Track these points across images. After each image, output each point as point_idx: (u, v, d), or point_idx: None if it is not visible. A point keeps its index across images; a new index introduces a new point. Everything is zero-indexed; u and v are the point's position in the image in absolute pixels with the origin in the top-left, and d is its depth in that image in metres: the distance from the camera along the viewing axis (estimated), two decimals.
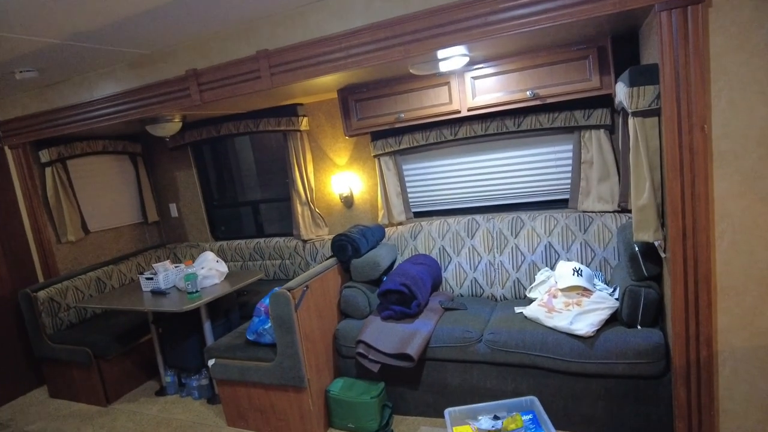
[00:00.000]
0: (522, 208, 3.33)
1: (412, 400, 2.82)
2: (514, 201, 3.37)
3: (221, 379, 2.99)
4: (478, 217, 3.32)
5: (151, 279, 3.51)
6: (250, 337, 2.93)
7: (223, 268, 3.58)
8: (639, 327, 2.37)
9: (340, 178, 3.73)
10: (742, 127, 1.93)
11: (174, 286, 3.51)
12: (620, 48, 2.68)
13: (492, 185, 3.38)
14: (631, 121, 2.18)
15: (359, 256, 3.09)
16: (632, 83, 2.13)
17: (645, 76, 2.12)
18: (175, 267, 3.62)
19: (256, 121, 3.90)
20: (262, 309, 2.89)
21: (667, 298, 2.28)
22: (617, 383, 2.35)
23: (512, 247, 3.12)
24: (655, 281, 2.38)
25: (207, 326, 3.41)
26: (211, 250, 4.30)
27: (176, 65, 2.99)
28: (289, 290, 2.64)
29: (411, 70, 2.74)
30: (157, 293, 3.44)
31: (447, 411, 2.23)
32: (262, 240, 4.13)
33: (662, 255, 2.22)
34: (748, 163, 1.95)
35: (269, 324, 2.78)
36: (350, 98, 3.31)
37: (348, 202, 3.80)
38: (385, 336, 2.72)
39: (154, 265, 3.59)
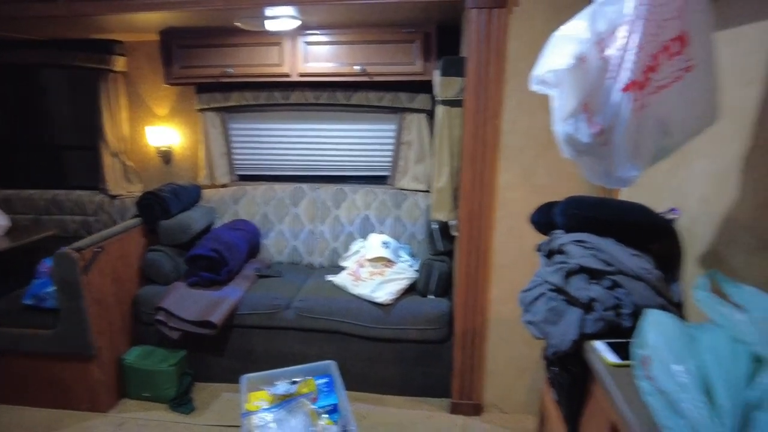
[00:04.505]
0: (347, 181, 3.40)
1: (216, 367, 2.75)
2: (340, 173, 3.42)
3: None
4: (305, 186, 3.31)
5: None
6: (28, 302, 2.55)
7: (2, 221, 3.06)
8: (432, 296, 2.61)
9: (158, 131, 3.38)
10: (525, 126, 2.19)
11: None
12: (446, 37, 2.83)
13: (320, 156, 3.38)
14: (439, 108, 2.34)
15: (168, 217, 2.85)
16: (444, 73, 2.27)
17: (455, 67, 2.27)
18: None
19: (60, 53, 3.32)
20: (45, 270, 2.54)
21: (455, 271, 2.53)
22: (409, 347, 2.57)
23: (334, 218, 3.19)
24: (449, 256, 2.64)
25: None
26: None
27: None
28: (77, 251, 2.35)
29: (237, 23, 2.56)
30: None
31: (243, 377, 2.20)
32: (61, 192, 3.58)
33: (454, 233, 2.46)
34: (527, 158, 2.22)
35: (52, 287, 2.45)
36: (173, 43, 2.99)
37: (166, 157, 3.48)
38: (189, 303, 2.58)
39: None
